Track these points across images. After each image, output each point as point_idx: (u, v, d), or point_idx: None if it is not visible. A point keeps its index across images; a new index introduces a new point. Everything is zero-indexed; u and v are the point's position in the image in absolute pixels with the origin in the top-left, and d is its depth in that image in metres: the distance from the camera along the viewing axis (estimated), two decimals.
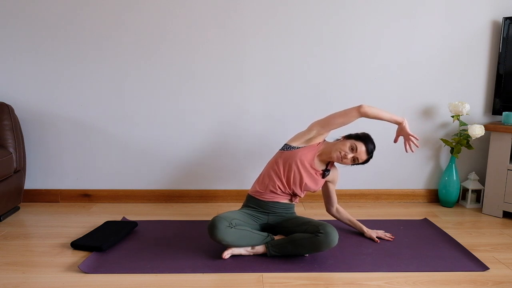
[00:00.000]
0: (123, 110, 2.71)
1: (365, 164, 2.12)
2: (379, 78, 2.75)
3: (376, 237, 2.18)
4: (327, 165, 2.14)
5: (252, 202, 2.12)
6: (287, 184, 2.06)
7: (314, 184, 2.09)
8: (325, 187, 2.24)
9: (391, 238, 2.19)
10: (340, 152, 1.99)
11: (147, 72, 2.68)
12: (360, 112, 1.98)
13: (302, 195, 2.12)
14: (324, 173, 2.10)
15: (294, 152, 2.05)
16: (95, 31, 2.61)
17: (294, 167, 2.03)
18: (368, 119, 2.07)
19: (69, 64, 2.65)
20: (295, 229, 1.99)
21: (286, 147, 2.08)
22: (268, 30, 2.65)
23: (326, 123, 2.05)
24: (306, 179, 2.05)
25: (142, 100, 2.71)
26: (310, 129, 2.08)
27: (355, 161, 2.03)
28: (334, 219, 2.34)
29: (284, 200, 2.11)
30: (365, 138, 2.04)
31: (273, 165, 2.10)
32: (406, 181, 2.89)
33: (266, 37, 2.66)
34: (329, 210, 2.31)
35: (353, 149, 2.00)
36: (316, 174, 2.08)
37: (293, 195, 2.11)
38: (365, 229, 2.23)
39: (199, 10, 2.61)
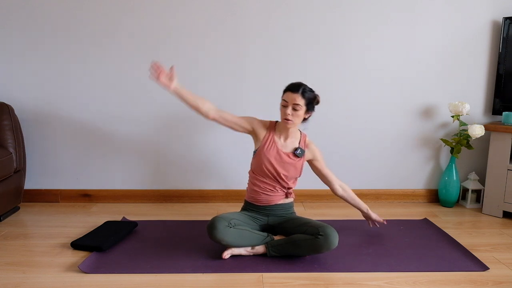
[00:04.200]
0: (123, 110, 2.71)
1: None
2: (379, 78, 2.75)
3: (374, 221, 2.27)
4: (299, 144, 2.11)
5: (250, 206, 2.12)
6: (271, 183, 2.04)
7: (293, 168, 2.05)
8: (313, 168, 2.19)
9: (384, 222, 2.29)
10: (282, 117, 1.99)
11: (147, 72, 2.67)
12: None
13: (293, 185, 2.11)
14: (295, 153, 2.06)
15: (258, 153, 2.05)
16: (95, 31, 2.61)
17: (267, 166, 2.02)
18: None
19: (69, 64, 2.64)
20: (295, 230, 1.98)
21: (253, 153, 2.10)
22: (268, 31, 2.65)
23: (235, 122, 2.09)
24: (282, 170, 2.02)
25: (142, 100, 2.71)
26: (246, 130, 2.10)
27: (298, 110, 1.96)
28: (334, 219, 2.33)
29: (280, 199, 2.09)
30: (289, 86, 1.99)
31: (251, 173, 2.11)
32: (406, 181, 2.88)
33: (266, 38, 2.66)
34: (333, 190, 2.22)
35: (285, 105, 1.97)
36: (289, 157, 2.04)
37: (285, 188, 2.09)
38: (369, 211, 2.27)
39: (199, 11, 2.61)
